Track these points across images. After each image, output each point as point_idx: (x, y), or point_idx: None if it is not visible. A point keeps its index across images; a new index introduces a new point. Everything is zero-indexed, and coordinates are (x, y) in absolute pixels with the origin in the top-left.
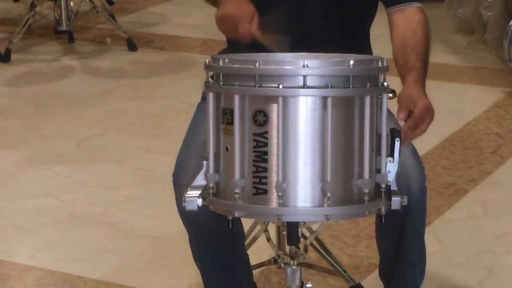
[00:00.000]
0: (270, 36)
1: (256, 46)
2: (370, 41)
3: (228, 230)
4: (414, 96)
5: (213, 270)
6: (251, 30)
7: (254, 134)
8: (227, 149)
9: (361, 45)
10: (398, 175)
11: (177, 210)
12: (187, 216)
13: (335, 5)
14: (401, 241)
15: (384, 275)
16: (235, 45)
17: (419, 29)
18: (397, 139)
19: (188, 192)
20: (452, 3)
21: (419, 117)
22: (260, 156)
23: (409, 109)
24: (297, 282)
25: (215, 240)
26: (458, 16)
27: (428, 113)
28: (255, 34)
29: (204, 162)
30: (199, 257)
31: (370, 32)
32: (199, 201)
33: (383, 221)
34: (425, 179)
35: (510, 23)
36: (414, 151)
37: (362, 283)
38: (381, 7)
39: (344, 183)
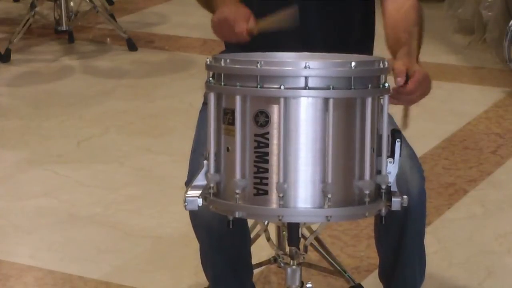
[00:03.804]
0: (269, 19)
1: (254, 47)
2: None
3: (239, 234)
4: (408, 65)
5: (223, 275)
6: (248, 27)
7: (255, 135)
8: (228, 149)
9: (359, 44)
10: (398, 178)
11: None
12: (201, 223)
13: (333, 4)
14: (400, 243)
15: (384, 277)
16: (233, 47)
17: (411, 14)
18: (398, 140)
19: (189, 192)
20: (452, 3)
21: (418, 83)
22: (261, 156)
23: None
24: (297, 282)
25: (227, 245)
26: (458, 16)
27: (426, 80)
28: (253, 29)
29: (205, 161)
30: (211, 263)
31: None
32: (200, 201)
33: (383, 222)
34: (424, 182)
35: (510, 23)
36: (412, 154)
37: (362, 283)
38: (378, 7)
39: (345, 184)
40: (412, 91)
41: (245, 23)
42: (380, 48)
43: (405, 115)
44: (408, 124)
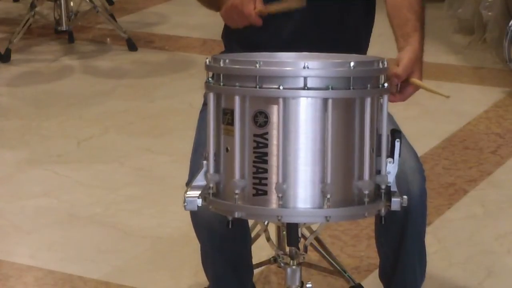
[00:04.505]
0: (278, 4)
1: (254, 47)
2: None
3: (240, 235)
4: (417, 66)
5: (224, 276)
6: (256, 7)
7: (255, 135)
8: (227, 149)
9: (351, 43)
10: (398, 178)
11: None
12: (202, 224)
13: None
14: (401, 244)
15: (384, 277)
16: (232, 47)
17: None
18: (397, 140)
19: (188, 192)
20: (452, 3)
21: (409, 95)
22: (260, 157)
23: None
24: (297, 282)
25: (228, 245)
26: (458, 16)
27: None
28: (262, 9)
29: (204, 162)
30: (212, 264)
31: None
32: (199, 201)
33: (383, 222)
34: (425, 182)
35: (510, 23)
36: (413, 154)
37: (362, 283)
38: (379, 7)
39: (344, 184)
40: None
41: (251, 3)
42: (380, 48)
43: (432, 91)
44: (443, 93)
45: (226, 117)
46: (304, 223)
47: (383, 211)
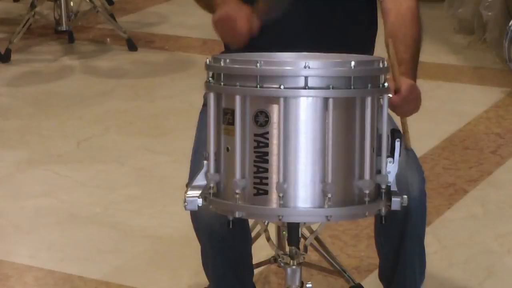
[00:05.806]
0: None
1: (254, 48)
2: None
3: (241, 235)
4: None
5: (224, 276)
6: (249, 27)
7: (255, 135)
8: (227, 149)
9: (354, 45)
10: (398, 180)
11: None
12: (202, 225)
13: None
14: (401, 245)
15: (384, 277)
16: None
17: (408, 18)
18: (398, 139)
19: (189, 192)
20: (452, 3)
21: (406, 93)
22: (261, 156)
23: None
24: (297, 282)
25: (229, 246)
26: (458, 16)
27: (414, 91)
28: (254, 30)
29: (205, 161)
30: (212, 264)
31: None
32: (199, 201)
33: (383, 222)
34: (425, 183)
35: (510, 23)
36: (413, 156)
37: (362, 283)
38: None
39: (345, 183)
40: (397, 103)
41: (247, 22)
42: (380, 48)
43: (405, 131)
44: (409, 143)
45: (226, 117)
46: (305, 223)
47: (383, 211)
